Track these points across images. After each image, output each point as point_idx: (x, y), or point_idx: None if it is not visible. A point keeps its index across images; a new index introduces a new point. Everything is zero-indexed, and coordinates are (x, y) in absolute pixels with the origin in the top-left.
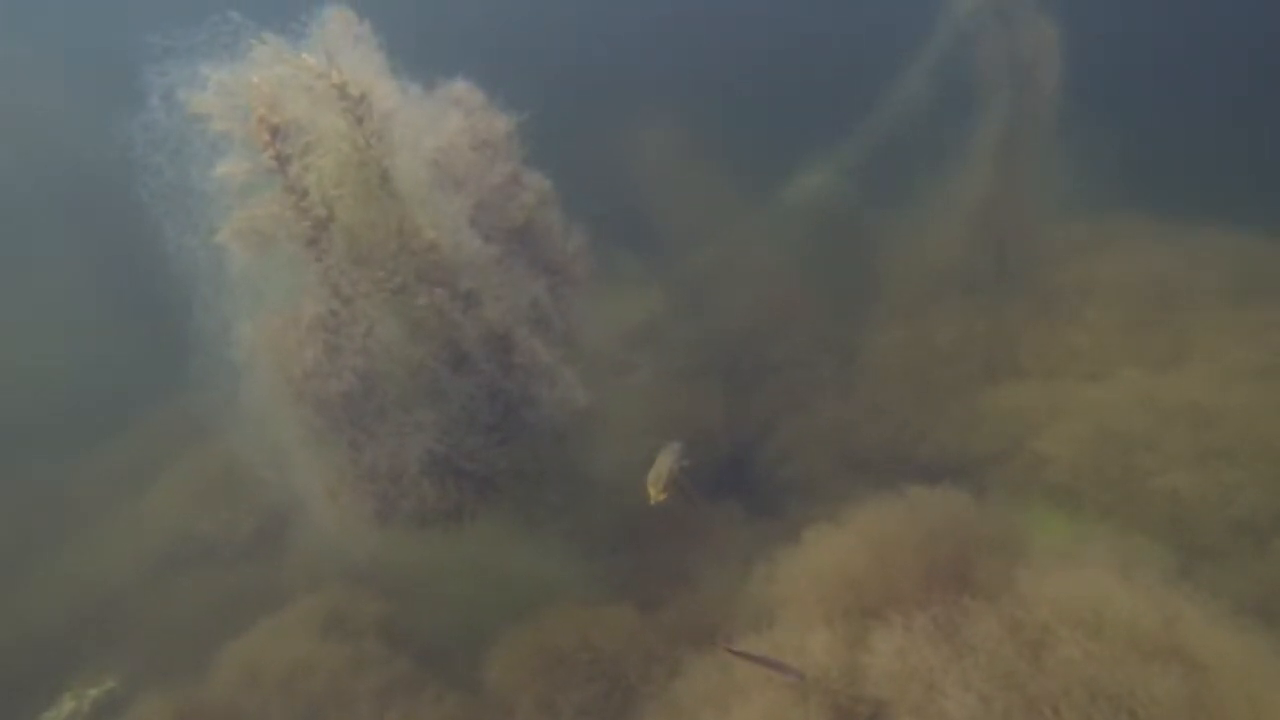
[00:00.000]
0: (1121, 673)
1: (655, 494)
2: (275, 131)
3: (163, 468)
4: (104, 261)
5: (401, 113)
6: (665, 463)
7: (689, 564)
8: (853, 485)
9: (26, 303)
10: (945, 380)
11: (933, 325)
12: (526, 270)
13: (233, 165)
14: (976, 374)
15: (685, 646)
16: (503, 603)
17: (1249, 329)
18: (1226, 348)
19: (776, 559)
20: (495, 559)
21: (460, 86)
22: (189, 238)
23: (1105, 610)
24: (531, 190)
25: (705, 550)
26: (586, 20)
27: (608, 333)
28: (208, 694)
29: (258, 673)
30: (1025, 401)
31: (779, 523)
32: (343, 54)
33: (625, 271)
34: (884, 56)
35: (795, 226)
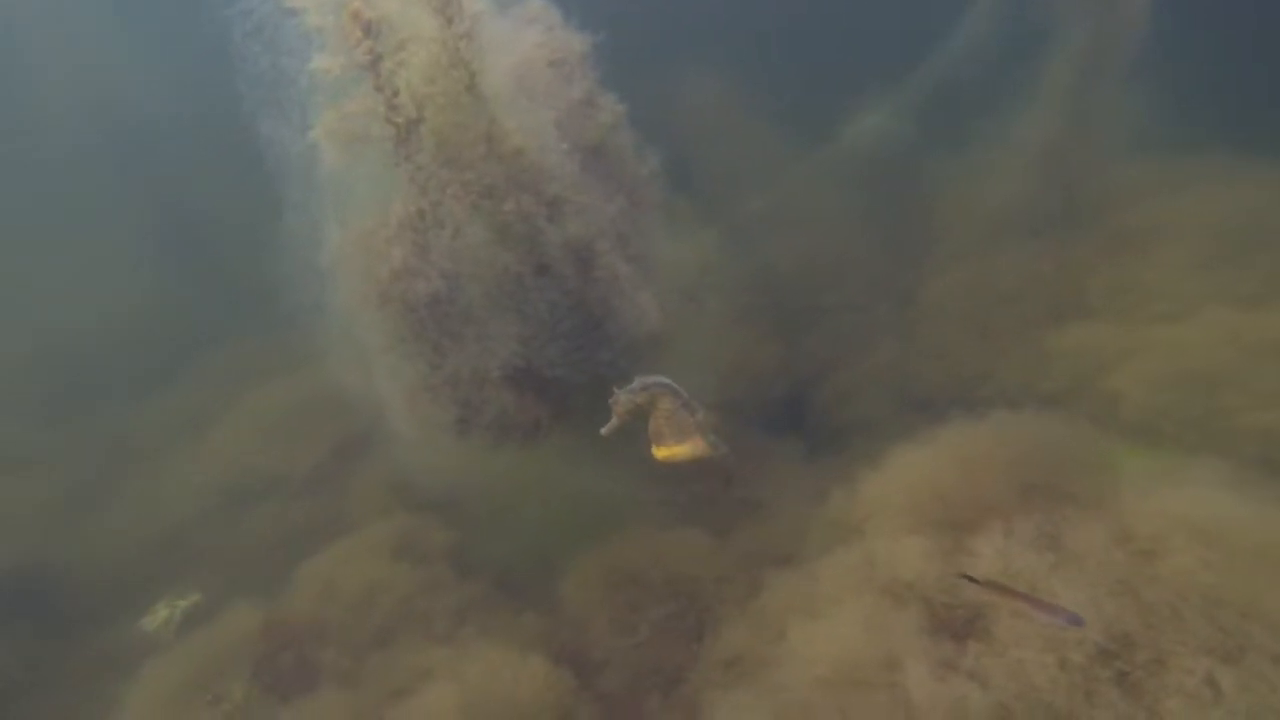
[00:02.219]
0: (1245, 582)
1: (702, 448)
2: (367, 28)
3: (225, 408)
4: (166, 208)
5: (488, 18)
6: (688, 416)
7: (756, 494)
8: (914, 425)
9: (93, 250)
10: (1008, 321)
11: (995, 267)
12: (603, 189)
13: (327, 60)
14: (1042, 315)
15: (762, 568)
16: (573, 525)
17: None
18: None
19: (858, 479)
20: (566, 480)
21: (536, 4)
22: (283, 130)
23: (1224, 522)
24: (607, 110)
25: (770, 483)
26: None
27: (675, 263)
28: (291, 606)
29: (336, 589)
30: (1095, 341)
31: (841, 458)
32: None
33: (680, 215)
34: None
35: (852, 169)
